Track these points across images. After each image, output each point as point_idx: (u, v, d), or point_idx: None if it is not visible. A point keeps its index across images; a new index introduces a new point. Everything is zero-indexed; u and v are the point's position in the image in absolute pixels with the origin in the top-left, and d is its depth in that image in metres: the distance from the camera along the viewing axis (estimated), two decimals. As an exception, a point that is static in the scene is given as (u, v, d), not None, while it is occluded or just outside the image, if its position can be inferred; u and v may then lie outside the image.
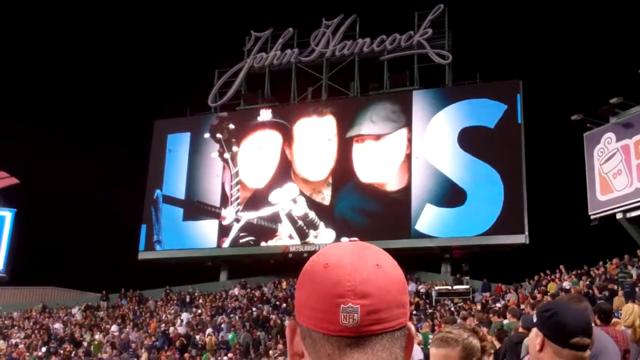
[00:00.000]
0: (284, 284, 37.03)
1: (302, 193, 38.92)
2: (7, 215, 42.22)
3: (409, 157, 37.35)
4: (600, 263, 26.98)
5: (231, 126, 41.63)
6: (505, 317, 15.67)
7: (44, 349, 31.84)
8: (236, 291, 37.52)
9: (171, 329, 31.58)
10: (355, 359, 1.15)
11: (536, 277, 28.50)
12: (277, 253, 38.12)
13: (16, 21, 60.23)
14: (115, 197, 46.33)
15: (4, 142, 44.15)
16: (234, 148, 41.24)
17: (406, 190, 36.71)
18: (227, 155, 41.16)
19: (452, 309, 26.74)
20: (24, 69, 61.01)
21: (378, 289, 1.15)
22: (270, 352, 24.75)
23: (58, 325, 35.67)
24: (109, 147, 54.31)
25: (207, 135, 41.86)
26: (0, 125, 46.42)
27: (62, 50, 60.99)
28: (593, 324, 3.41)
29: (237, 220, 39.82)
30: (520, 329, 10.09)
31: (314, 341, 1.18)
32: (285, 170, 39.67)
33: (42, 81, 59.08)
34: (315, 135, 39.79)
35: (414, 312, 27.93)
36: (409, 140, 37.61)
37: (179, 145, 42.43)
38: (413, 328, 1.24)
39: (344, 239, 1.30)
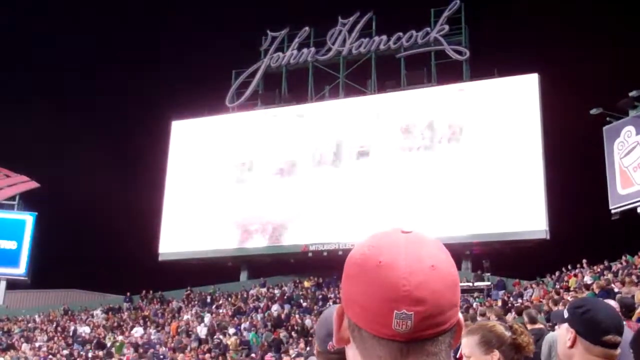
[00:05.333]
0: (305, 283, 37.13)
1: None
2: (28, 219, 42.59)
3: (427, 153, 37.28)
4: (623, 257, 26.77)
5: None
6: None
7: (66, 352, 32.06)
8: (257, 291, 37.59)
9: (193, 329, 31.69)
10: None
11: (557, 273, 28.32)
12: (297, 252, 38.11)
13: (30, 23, 60.69)
14: (135, 197, 46.49)
15: (23, 146, 44.59)
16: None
17: (425, 186, 36.50)
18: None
19: (474, 305, 26.60)
20: (40, 67, 61.43)
21: (433, 294, 1.11)
22: (290, 351, 24.77)
23: (81, 328, 35.91)
24: (128, 148, 54.47)
25: None
26: (20, 129, 46.85)
27: (78, 49, 61.48)
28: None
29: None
30: (539, 325, 10.07)
31: (363, 339, 1.15)
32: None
33: (59, 81, 59.36)
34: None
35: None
36: (428, 137, 37.55)
37: (196, 143, 42.57)
38: (462, 318, 1.20)
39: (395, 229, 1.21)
